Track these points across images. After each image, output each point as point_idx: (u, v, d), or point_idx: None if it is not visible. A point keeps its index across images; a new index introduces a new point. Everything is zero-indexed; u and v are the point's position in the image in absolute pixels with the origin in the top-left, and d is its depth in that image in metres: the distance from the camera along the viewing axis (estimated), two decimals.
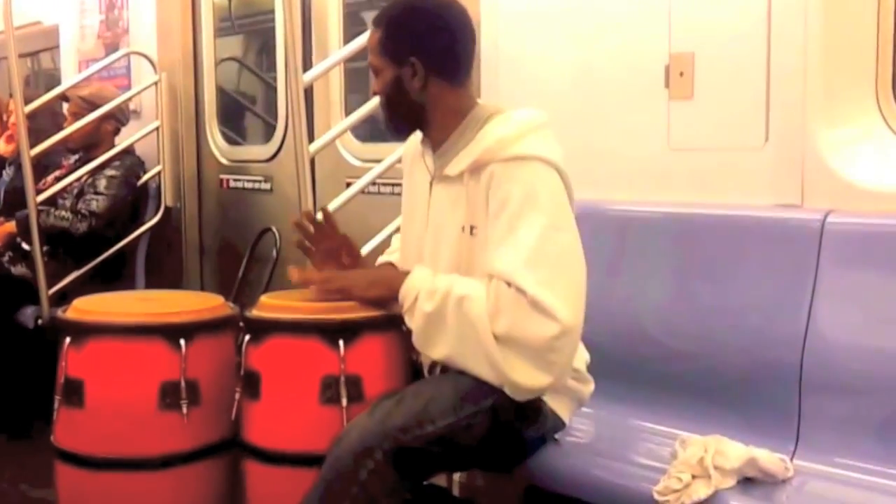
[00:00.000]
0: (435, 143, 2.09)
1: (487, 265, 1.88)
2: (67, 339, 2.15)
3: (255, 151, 4.31)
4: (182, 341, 2.11)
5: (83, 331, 2.15)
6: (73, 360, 2.14)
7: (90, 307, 2.24)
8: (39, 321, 3.63)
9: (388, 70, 2.04)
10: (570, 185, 1.96)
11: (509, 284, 1.83)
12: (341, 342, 1.98)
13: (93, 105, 4.04)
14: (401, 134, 2.18)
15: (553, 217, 1.88)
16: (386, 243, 2.60)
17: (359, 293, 2.07)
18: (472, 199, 1.97)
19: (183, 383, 2.11)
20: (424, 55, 2.00)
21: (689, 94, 2.48)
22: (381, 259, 2.37)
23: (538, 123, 1.98)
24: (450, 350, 1.91)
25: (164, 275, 4.30)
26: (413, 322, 1.95)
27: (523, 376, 1.84)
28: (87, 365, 2.13)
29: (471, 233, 1.98)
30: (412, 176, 2.20)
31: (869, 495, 1.90)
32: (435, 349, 1.94)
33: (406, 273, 2.00)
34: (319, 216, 2.27)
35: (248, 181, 4.23)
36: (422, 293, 1.93)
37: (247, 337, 2.08)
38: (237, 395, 2.09)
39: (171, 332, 2.13)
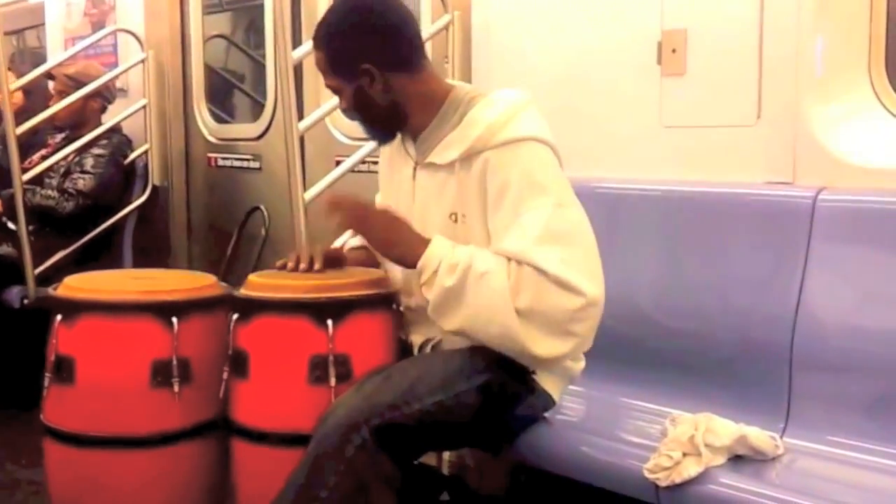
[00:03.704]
0: (415, 130, 2.06)
1: (496, 248, 1.87)
2: (58, 317, 2.13)
3: (243, 129, 4.28)
4: (174, 320, 2.10)
5: (75, 308, 2.13)
6: (63, 338, 2.12)
7: (82, 285, 2.22)
8: (25, 301, 3.60)
9: (346, 87, 2.01)
10: (562, 163, 1.95)
11: (526, 265, 1.82)
12: (329, 321, 1.97)
13: (79, 83, 4.00)
14: (387, 139, 2.13)
15: (556, 195, 1.87)
16: None
17: (375, 244, 2.05)
18: (463, 187, 1.94)
19: (175, 362, 2.09)
20: (374, 58, 1.96)
21: (681, 71, 2.47)
22: (352, 243, 2.35)
23: (524, 103, 1.96)
24: (464, 323, 1.89)
25: (152, 254, 4.28)
26: (430, 294, 1.91)
27: (543, 347, 1.84)
28: (78, 342, 2.11)
29: (459, 220, 1.96)
30: (393, 163, 2.17)
31: (859, 473, 1.90)
32: (450, 321, 1.91)
33: (426, 241, 1.93)
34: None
35: (237, 159, 4.20)
36: (442, 266, 1.88)
37: (235, 316, 2.07)
38: (225, 375, 2.08)
39: (163, 311, 2.11)
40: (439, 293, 1.89)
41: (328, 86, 2.06)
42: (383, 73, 1.97)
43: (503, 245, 1.85)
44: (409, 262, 1.94)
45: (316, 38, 2.03)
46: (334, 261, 2.16)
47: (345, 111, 2.09)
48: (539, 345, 1.84)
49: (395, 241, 1.98)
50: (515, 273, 1.82)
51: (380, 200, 2.29)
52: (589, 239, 1.91)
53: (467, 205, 1.94)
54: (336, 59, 2.00)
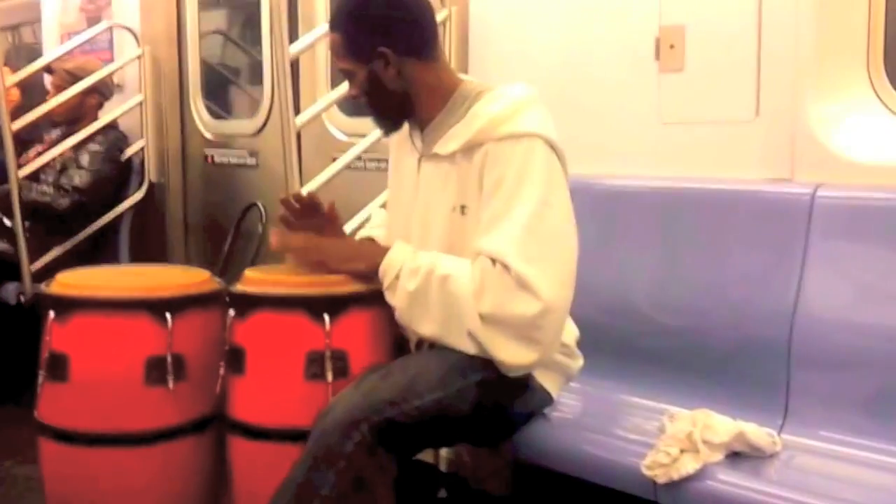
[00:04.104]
0: (422, 122, 2.06)
1: (476, 242, 1.87)
2: (52, 314, 2.12)
3: (240, 126, 4.27)
4: (168, 316, 2.09)
5: (68, 305, 2.12)
6: (57, 335, 2.11)
7: (74, 281, 2.21)
8: (22, 297, 3.59)
9: (359, 70, 2.00)
10: (565, 161, 1.94)
11: (494, 262, 1.82)
12: (327, 317, 1.96)
13: (77, 78, 3.98)
14: (393, 128, 2.12)
15: (545, 193, 1.86)
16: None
17: (335, 266, 2.03)
18: (465, 178, 1.95)
19: (169, 358, 2.08)
20: (391, 42, 1.96)
21: (679, 68, 2.47)
22: (362, 233, 2.35)
23: (530, 99, 1.96)
24: (436, 328, 1.90)
25: (148, 251, 4.26)
26: (395, 300, 1.93)
27: (509, 354, 1.84)
28: (72, 339, 2.10)
29: (462, 212, 1.96)
30: (400, 154, 2.17)
31: (856, 469, 1.90)
32: (420, 326, 1.93)
33: (386, 248, 1.97)
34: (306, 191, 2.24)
35: (234, 156, 4.19)
36: (404, 270, 1.91)
37: (231, 312, 2.06)
38: (222, 371, 2.07)
39: (157, 307, 2.10)
40: (403, 298, 1.91)
41: (340, 69, 2.05)
42: (398, 57, 1.97)
43: (481, 240, 1.85)
44: (371, 272, 1.96)
45: (334, 19, 2.03)
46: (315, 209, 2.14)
47: (353, 97, 2.07)
48: (503, 350, 1.84)
49: (352, 256, 2.02)
50: (480, 271, 1.83)
51: (388, 199, 2.29)
52: (567, 243, 1.89)
53: (468, 196, 1.94)
54: (353, 41, 1.99)
